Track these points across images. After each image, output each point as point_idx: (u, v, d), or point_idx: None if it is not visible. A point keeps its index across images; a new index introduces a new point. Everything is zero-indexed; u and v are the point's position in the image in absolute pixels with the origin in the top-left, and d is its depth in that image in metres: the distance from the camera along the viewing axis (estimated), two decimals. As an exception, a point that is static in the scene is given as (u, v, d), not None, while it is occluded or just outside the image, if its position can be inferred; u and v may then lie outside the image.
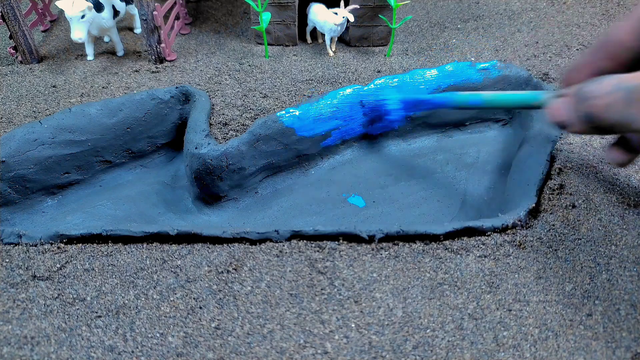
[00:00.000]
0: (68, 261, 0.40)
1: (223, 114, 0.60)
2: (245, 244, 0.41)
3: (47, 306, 0.36)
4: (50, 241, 0.41)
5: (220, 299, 0.37)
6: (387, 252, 0.40)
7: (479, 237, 0.40)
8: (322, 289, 0.37)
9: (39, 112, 0.61)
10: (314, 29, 0.81)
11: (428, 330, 0.34)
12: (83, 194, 0.58)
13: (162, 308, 0.36)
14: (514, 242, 0.40)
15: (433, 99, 0.45)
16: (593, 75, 0.31)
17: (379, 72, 0.70)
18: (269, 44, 0.79)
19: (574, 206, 0.43)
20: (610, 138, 0.38)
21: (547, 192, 0.45)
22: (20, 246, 0.41)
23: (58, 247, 0.41)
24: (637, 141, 0.33)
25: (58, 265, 0.39)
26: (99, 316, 0.36)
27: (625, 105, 0.25)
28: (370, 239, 0.40)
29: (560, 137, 0.52)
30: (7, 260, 0.40)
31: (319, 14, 0.75)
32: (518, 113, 0.62)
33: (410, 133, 0.63)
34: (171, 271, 0.39)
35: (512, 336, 0.33)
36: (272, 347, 0.33)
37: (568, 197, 0.44)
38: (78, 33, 0.69)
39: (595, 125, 0.28)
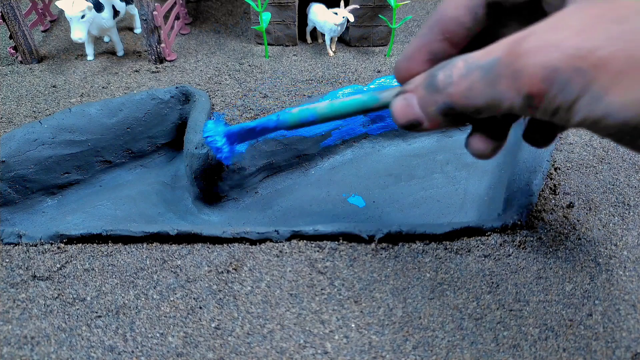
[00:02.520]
0: (68, 261, 0.40)
1: (223, 114, 0.60)
2: (245, 244, 0.41)
3: (47, 306, 0.36)
4: (50, 241, 0.41)
5: (220, 299, 0.37)
6: (387, 252, 0.40)
7: (479, 237, 0.40)
8: (322, 289, 0.37)
9: (39, 112, 0.61)
10: (314, 29, 0.81)
11: (428, 330, 0.34)
12: (83, 194, 0.58)
13: (162, 308, 0.36)
14: (514, 242, 0.40)
15: (258, 124, 0.38)
16: (428, 62, 0.28)
17: (379, 72, 0.70)
18: (269, 44, 0.79)
19: (573, 206, 0.43)
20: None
21: (547, 192, 0.45)
22: (20, 246, 0.41)
23: (58, 247, 0.41)
24: (502, 126, 0.29)
25: (58, 265, 0.39)
26: (99, 316, 0.36)
27: (489, 84, 0.23)
28: (370, 239, 0.40)
29: (560, 137, 0.52)
30: (7, 260, 0.40)
31: (319, 14, 0.75)
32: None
33: (411, 133, 0.63)
34: (171, 271, 0.39)
35: (512, 336, 0.33)
36: (272, 347, 0.33)
37: (568, 197, 0.44)
38: (78, 33, 0.69)
39: (456, 115, 0.25)
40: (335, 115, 0.33)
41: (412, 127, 0.27)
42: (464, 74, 0.23)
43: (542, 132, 0.30)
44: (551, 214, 0.43)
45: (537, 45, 0.21)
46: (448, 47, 0.28)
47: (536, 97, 0.21)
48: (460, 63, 0.24)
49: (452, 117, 0.25)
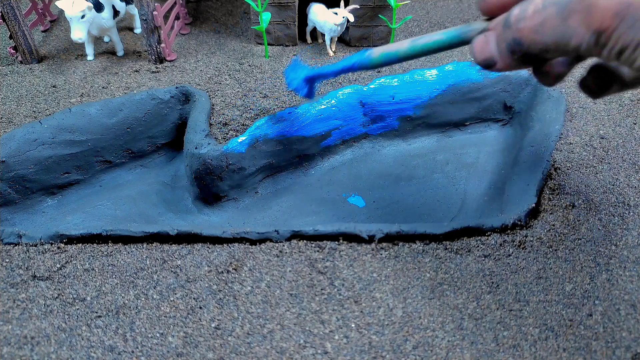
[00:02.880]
0: (68, 261, 0.40)
1: (223, 114, 0.60)
2: (245, 244, 0.41)
3: (47, 306, 0.36)
4: (50, 241, 0.41)
5: (220, 299, 0.37)
6: (387, 252, 0.40)
7: (479, 237, 0.40)
8: (322, 289, 0.37)
9: (39, 112, 0.61)
10: (314, 29, 0.81)
11: (428, 330, 0.34)
12: (83, 194, 0.58)
13: (162, 308, 0.36)
14: (514, 242, 0.40)
15: (338, 68, 0.42)
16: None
17: (379, 72, 0.70)
18: (269, 44, 0.79)
19: (573, 206, 0.43)
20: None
21: (547, 192, 0.45)
22: (20, 246, 0.41)
23: (58, 247, 0.41)
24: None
25: (58, 265, 0.39)
26: (99, 316, 0.36)
27: (561, 20, 0.23)
28: (370, 239, 0.40)
29: (560, 137, 0.52)
30: (7, 260, 0.40)
31: (319, 14, 0.75)
32: (518, 113, 0.62)
33: (411, 133, 0.63)
34: (171, 271, 0.39)
35: (512, 336, 0.33)
36: (272, 347, 0.33)
37: (568, 197, 0.44)
38: (78, 33, 0.69)
39: (525, 53, 0.26)
40: (418, 54, 0.34)
41: (488, 66, 0.28)
42: (540, 9, 0.24)
43: (601, 80, 0.30)
44: (551, 214, 0.43)
45: None
46: None
47: (606, 33, 0.22)
48: (538, 0, 0.24)
49: (520, 56, 0.26)
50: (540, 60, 0.26)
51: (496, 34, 0.27)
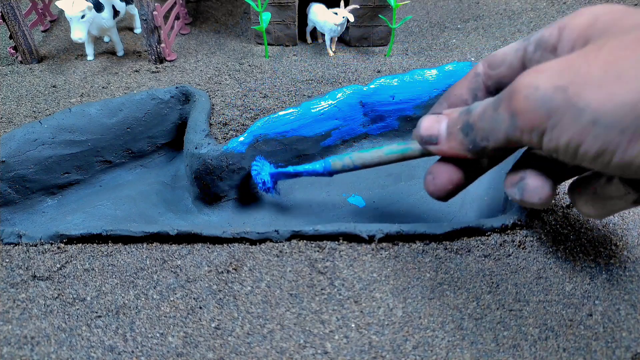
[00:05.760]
0: (68, 261, 0.40)
1: (223, 114, 0.60)
2: (245, 244, 0.41)
3: (47, 306, 0.36)
4: (50, 241, 0.41)
5: (220, 299, 0.37)
6: (387, 252, 0.40)
7: (479, 237, 0.40)
8: (322, 289, 0.37)
9: (39, 112, 0.61)
10: (314, 29, 0.81)
11: (428, 330, 0.34)
12: (83, 194, 0.58)
13: (162, 308, 0.36)
14: (514, 242, 0.40)
15: (305, 170, 0.45)
16: None
17: (379, 72, 0.70)
18: (269, 44, 0.79)
19: (574, 206, 0.43)
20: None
21: (547, 192, 0.45)
22: (20, 246, 0.41)
23: (58, 247, 0.41)
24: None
25: (58, 265, 0.39)
26: (99, 316, 0.36)
27: (494, 108, 0.26)
28: (370, 239, 0.40)
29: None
30: (7, 260, 0.40)
31: (319, 14, 0.75)
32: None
33: (411, 133, 0.63)
34: (171, 271, 0.39)
35: (512, 336, 0.33)
36: (272, 347, 0.33)
37: (568, 197, 0.44)
38: (78, 33, 0.69)
39: (474, 139, 0.28)
40: (367, 166, 0.39)
41: (428, 142, 0.31)
42: (484, 103, 0.27)
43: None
44: (551, 214, 0.43)
45: (526, 73, 0.24)
46: None
47: (519, 115, 0.24)
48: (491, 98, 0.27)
49: (470, 139, 0.28)
50: (496, 151, 0.28)
51: (449, 118, 0.30)
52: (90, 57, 0.77)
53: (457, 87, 0.33)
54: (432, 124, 0.31)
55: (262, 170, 0.50)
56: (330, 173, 0.42)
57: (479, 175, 0.33)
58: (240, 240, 0.41)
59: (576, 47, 0.25)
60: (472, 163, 0.31)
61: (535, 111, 0.23)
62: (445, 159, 0.32)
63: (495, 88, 0.31)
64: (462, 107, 0.30)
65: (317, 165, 0.43)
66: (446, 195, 0.32)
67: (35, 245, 0.41)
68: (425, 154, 0.33)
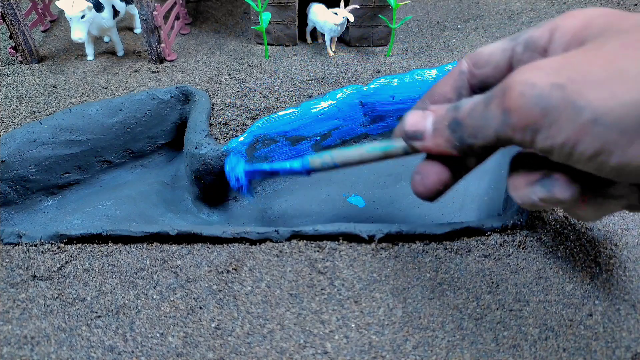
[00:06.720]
0: (68, 261, 0.40)
1: (223, 114, 0.60)
2: (245, 244, 0.41)
3: (47, 306, 0.36)
4: (50, 241, 0.41)
5: (220, 299, 0.37)
6: (387, 252, 0.40)
7: (479, 237, 0.40)
8: (322, 289, 0.37)
9: (39, 112, 0.61)
10: (314, 29, 0.81)
11: (428, 330, 0.34)
12: (83, 194, 0.58)
13: (162, 308, 0.36)
14: (514, 242, 0.40)
15: (281, 169, 0.41)
16: None
17: (379, 72, 0.70)
18: (269, 44, 0.79)
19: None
20: None
21: (547, 192, 0.45)
22: (20, 246, 0.41)
23: (58, 247, 0.41)
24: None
25: (58, 265, 0.39)
26: (99, 316, 0.36)
27: (485, 105, 0.25)
28: (370, 239, 0.40)
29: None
30: (7, 260, 0.40)
31: (319, 14, 0.75)
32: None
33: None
34: (171, 271, 0.39)
35: (512, 336, 0.33)
36: (272, 347, 0.33)
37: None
38: (78, 33, 0.69)
39: (461, 136, 0.27)
40: (346, 165, 0.37)
41: (413, 138, 0.29)
42: (474, 100, 0.26)
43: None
44: (551, 214, 0.43)
45: (521, 70, 0.23)
46: None
47: (512, 113, 0.23)
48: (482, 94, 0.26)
49: (457, 136, 0.27)
50: (473, 147, 0.27)
51: (436, 114, 0.29)
52: (90, 57, 0.77)
53: (441, 84, 0.32)
54: (417, 120, 0.29)
55: (237, 167, 0.47)
56: (308, 171, 0.39)
57: (465, 173, 0.31)
58: (240, 240, 0.41)
59: (570, 48, 0.24)
60: (458, 161, 0.30)
61: (530, 108, 0.22)
62: (432, 157, 0.31)
63: (479, 87, 0.31)
64: (449, 104, 0.29)
65: (295, 164, 0.40)
66: (435, 196, 0.31)
67: (35, 245, 0.41)
68: (409, 152, 0.32)
